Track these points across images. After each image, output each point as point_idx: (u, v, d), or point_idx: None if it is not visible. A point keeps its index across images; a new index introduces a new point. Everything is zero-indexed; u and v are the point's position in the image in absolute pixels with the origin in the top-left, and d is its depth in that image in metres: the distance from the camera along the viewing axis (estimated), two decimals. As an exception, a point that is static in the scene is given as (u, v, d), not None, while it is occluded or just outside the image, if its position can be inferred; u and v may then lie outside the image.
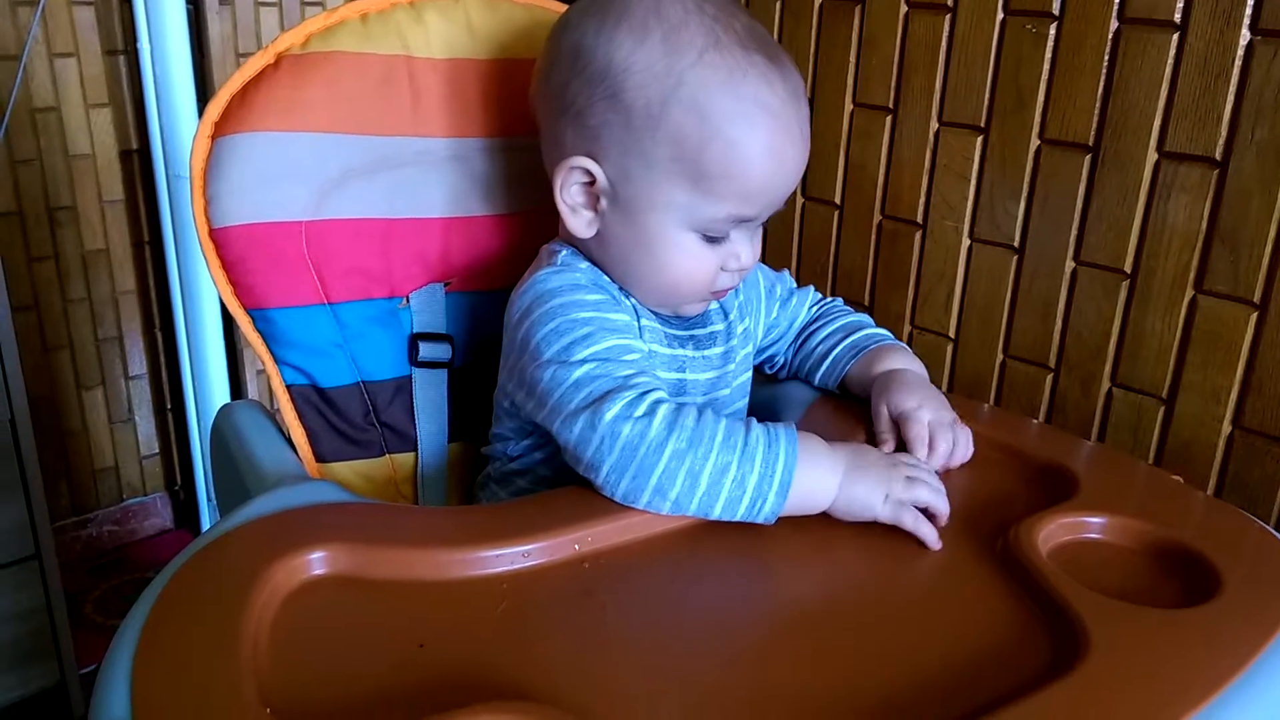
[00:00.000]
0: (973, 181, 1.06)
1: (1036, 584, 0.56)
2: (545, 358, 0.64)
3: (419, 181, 0.78)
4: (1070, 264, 1.01)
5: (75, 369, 1.59)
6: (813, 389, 0.82)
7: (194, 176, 0.72)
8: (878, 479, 0.62)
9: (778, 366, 0.86)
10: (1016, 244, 1.04)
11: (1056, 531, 0.61)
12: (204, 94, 1.44)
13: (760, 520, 0.61)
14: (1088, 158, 0.97)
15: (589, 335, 0.64)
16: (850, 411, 0.76)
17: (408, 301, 0.80)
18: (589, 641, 0.52)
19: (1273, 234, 0.86)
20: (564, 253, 0.72)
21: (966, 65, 1.04)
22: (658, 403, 0.60)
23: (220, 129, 0.72)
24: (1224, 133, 0.88)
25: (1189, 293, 0.92)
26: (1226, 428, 0.92)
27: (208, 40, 1.48)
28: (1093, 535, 0.62)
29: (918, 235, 1.13)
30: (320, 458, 0.77)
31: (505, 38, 0.80)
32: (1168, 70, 0.90)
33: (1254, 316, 0.88)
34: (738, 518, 0.61)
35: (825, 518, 0.63)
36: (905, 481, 0.62)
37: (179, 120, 1.40)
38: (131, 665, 0.47)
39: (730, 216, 0.66)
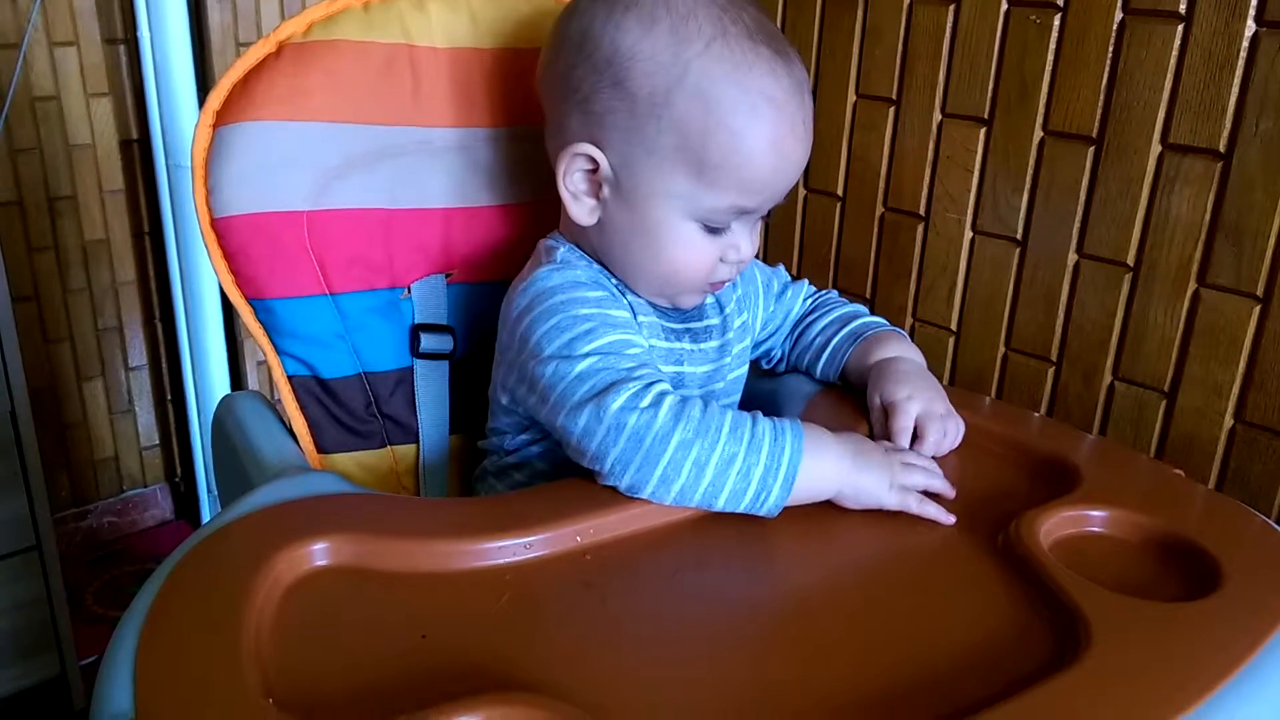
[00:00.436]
0: (975, 173, 1.06)
1: (1038, 577, 0.56)
2: (547, 353, 0.64)
3: (421, 171, 0.78)
4: (1073, 256, 1.00)
5: (75, 360, 1.59)
6: (813, 381, 0.82)
7: (195, 166, 0.72)
8: (881, 469, 0.63)
9: (775, 360, 0.86)
10: (1019, 236, 1.04)
11: (1058, 525, 0.61)
12: (204, 83, 1.43)
13: (764, 513, 0.61)
14: (1091, 150, 0.97)
15: (591, 330, 0.64)
16: (851, 403, 0.76)
17: (409, 292, 0.80)
18: (591, 633, 0.52)
19: (1276, 227, 0.86)
20: (562, 249, 0.72)
21: (970, 57, 1.04)
22: (663, 394, 0.60)
23: (221, 118, 0.71)
24: (1228, 125, 0.87)
25: (1191, 286, 0.92)
26: (1228, 421, 0.92)
27: (208, 29, 1.47)
28: (1094, 529, 0.62)
29: (920, 227, 1.13)
30: (321, 449, 0.77)
31: (508, 27, 0.79)
32: (1172, 62, 0.90)
33: (1257, 310, 0.88)
34: (741, 509, 0.61)
35: (827, 507, 0.63)
36: (904, 468, 0.64)
37: (179, 110, 1.40)
38: (134, 656, 0.47)
39: (731, 207, 0.66)
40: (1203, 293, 0.92)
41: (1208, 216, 0.90)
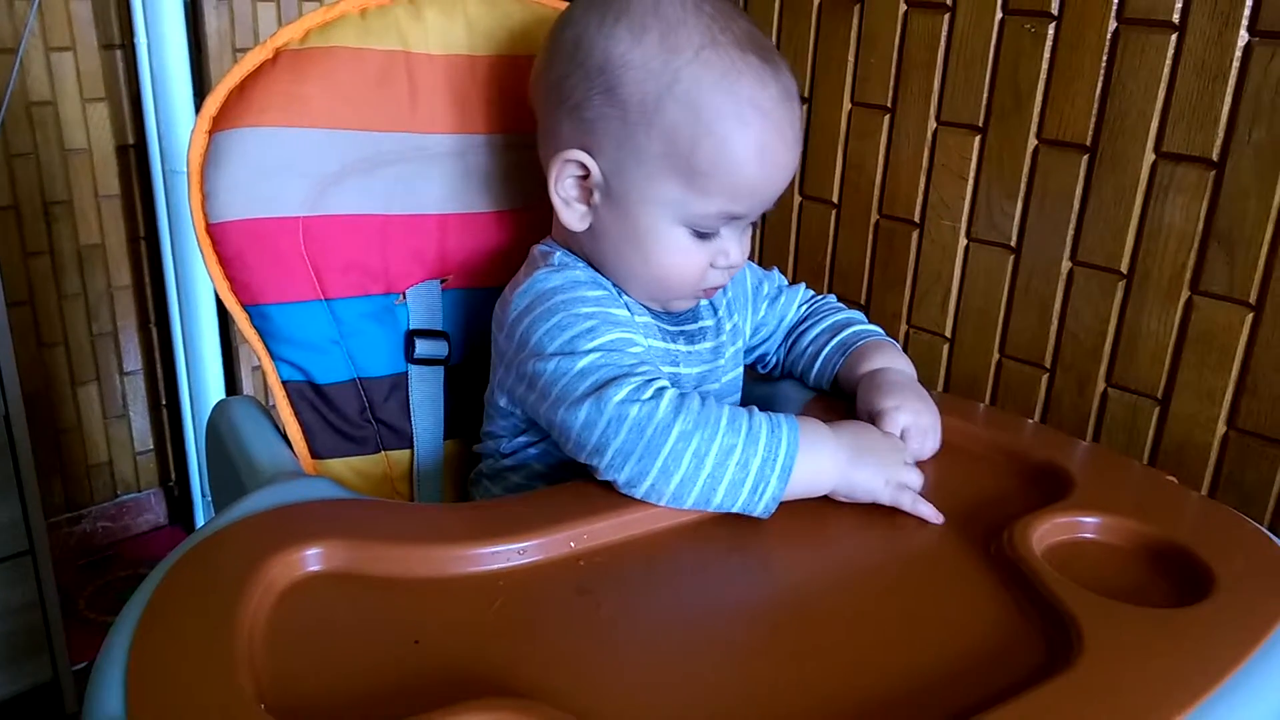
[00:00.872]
0: (970, 181, 1.07)
1: (1031, 583, 0.56)
2: (549, 351, 0.64)
3: (416, 178, 0.78)
4: (1067, 264, 1.01)
5: (70, 364, 1.58)
6: (807, 389, 0.82)
7: (191, 171, 0.72)
8: (879, 464, 0.64)
9: (770, 365, 0.86)
10: (1013, 244, 1.05)
11: (1051, 531, 0.61)
12: (201, 89, 1.43)
13: (760, 508, 0.61)
14: (1085, 158, 0.97)
15: (593, 329, 0.65)
16: (843, 411, 0.76)
17: (404, 298, 0.80)
18: (583, 639, 0.52)
19: (1269, 235, 0.86)
20: (558, 253, 0.72)
21: (965, 65, 1.04)
22: (663, 389, 0.61)
23: (218, 124, 0.72)
24: (1221, 134, 0.88)
25: (1185, 293, 0.93)
26: (1221, 428, 0.92)
27: (205, 35, 1.48)
28: (1087, 535, 0.62)
29: (915, 235, 1.13)
30: (316, 454, 0.77)
31: (503, 35, 0.80)
32: (1166, 71, 0.90)
33: (1249, 317, 0.89)
34: (738, 504, 0.61)
35: (820, 512, 0.63)
36: (903, 466, 0.65)
37: (176, 115, 1.40)
38: (126, 661, 0.46)
39: (720, 213, 0.67)
40: (1196, 300, 0.92)
41: (1201, 224, 0.90)
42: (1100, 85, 0.94)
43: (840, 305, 0.85)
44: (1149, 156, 0.93)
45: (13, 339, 1.14)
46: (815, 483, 0.63)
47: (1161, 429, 0.97)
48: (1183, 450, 0.95)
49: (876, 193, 1.16)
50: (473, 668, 0.49)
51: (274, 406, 0.77)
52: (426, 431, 0.81)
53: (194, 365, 1.52)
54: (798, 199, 1.24)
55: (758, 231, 1.28)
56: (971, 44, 1.03)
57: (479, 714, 0.44)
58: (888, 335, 0.82)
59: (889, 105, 1.12)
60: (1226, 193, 0.88)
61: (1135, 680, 0.49)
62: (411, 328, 0.80)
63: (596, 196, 0.68)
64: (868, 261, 1.19)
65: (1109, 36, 0.93)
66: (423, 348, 0.79)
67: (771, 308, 0.84)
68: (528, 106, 0.75)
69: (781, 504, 0.61)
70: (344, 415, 0.77)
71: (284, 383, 0.76)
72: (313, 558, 0.55)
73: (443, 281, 0.81)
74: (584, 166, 0.68)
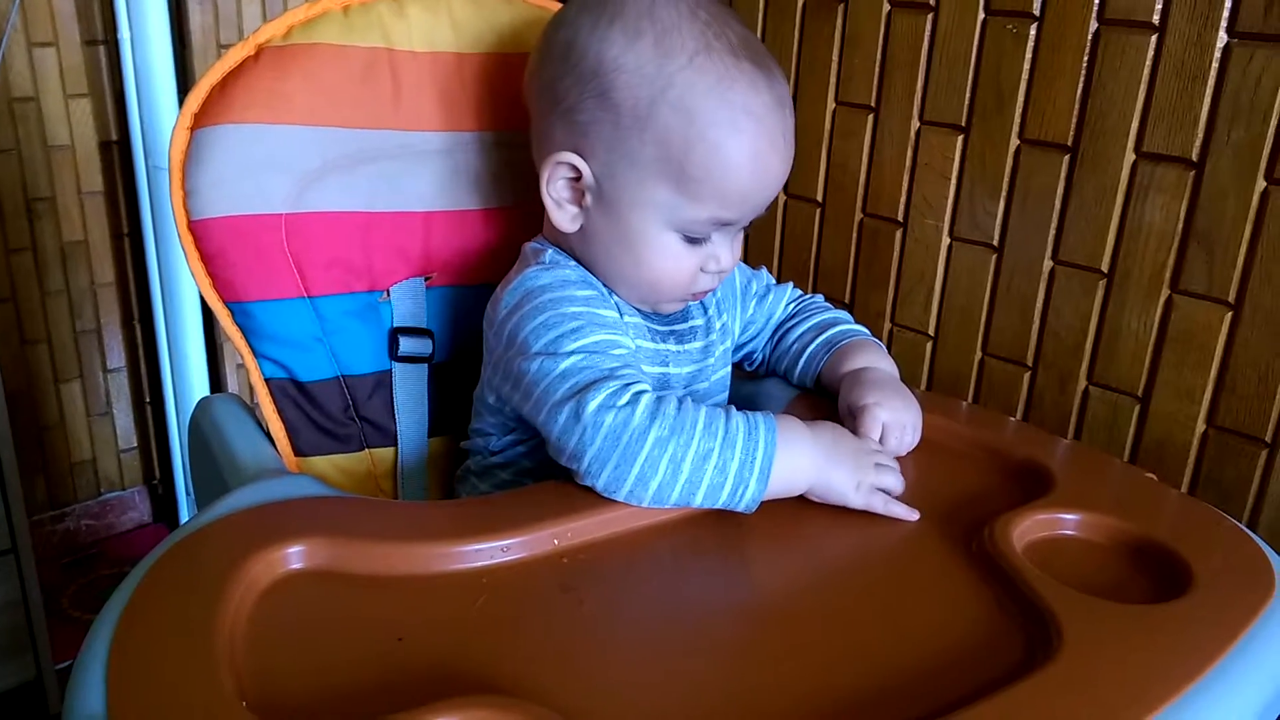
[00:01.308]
0: (953, 180, 1.07)
1: (1011, 580, 0.56)
2: (533, 350, 0.65)
3: (400, 175, 0.78)
4: (1048, 263, 1.01)
5: (53, 362, 1.57)
6: (791, 386, 0.82)
7: (173, 168, 0.71)
8: (852, 467, 0.64)
9: (756, 363, 0.86)
10: (996, 243, 1.05)
11: (1032, 528, 0.62)
12: (184, 85, 1.43)
13: (742, 507, 0.61)
14: (1066, 158, 0.98)
15: (578, 329, 0.65)
16: (826, 409, 0.76)
17: (388, 295, 0.80)
18: (566, 636, 0.52)
19: (1247, 234, 0.87)
20: (549, 251, 0.72)
21: (948, 65, 1.05)
22: (640, 394, 0.61)
23: (200, 120, 0.71)
24: (1200, 134, 0.88)
25: (1165, 292, 0.93)
26: (1201, 426, 0.93)
27: (189, 31, 1.47)
28: (1067, 532, 0.63)
29: (898, 233, 1.13)
30: (299, 452, 0.76)
31: (487, 33, 0.79)
32: (1146, 72, 0.91)
33: (1228, 316, 0.89)
34: (720, 504, 0.61)
35: (803, 510, 0.63)
36: (875, 469, 0.64)
37: (159, 111, 1.39)
38: (107, 659, 0.46)
39: (711, 219, 0.67)
40: (1175, 299, 0.93)
41: (1180, 224, 0.91)
42: (1081, 86, 0.95)
43: (827, 305, 0.85)
44: (1129, 156, 0.93)
45: (-6, 336, 1.14)
46: (793, 481, 0.63)
47: (1142, 427, 0.97)
48: (1163, 448, 0.96)
49: (860, 192, 1.16)
50: (456, 665, 0.49)
51: (257, 404, 0.77)
52: (410, 429, 0.80)
53: (178, 362, 1.51)
54: (783, 198, 1.24)
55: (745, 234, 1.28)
56: (954, 44, 1.04)
57: (462, 711, 0.44)
58: (872, 335, 0.82)
59: (873, 105, 1.12)
60: (1206, 192, 0.89)
61: (1114, 675, 0.49)
62: (396, 325, 0.80)
63: (588, 199, 0.68)
64: (852, 260, 1.19)
65: (1090, 37, 0.94)
66: (407, 345, 0.79)
67: (760, 306, 0.84)
68: (516, 104, 0.75)
69: (763, 503, 0.62)
70: (327, 413, 0.77)
71: (267, 380, 0.76)
72: (295, 555, 0.55)
73: (427, 279, 0.81)
74: (576, 169, 0.68)
